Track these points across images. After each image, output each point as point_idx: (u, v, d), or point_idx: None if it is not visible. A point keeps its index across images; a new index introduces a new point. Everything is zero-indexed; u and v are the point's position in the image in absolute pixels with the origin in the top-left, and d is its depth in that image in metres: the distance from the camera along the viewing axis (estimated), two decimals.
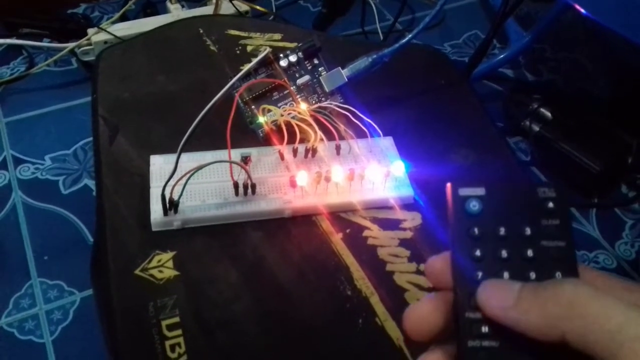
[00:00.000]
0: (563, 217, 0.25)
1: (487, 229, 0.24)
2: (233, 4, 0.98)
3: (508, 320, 0.22)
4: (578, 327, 0.20)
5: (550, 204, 0.25)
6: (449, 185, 0.26)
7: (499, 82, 1.01)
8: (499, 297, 0.22)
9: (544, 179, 0.88)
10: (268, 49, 0.51)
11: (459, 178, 0.26)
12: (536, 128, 0.89)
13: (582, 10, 0.41)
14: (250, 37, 0.58)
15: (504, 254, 0.24)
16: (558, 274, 0.23)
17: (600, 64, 0.98)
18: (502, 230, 0.24)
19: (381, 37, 1.05)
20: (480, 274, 0.23)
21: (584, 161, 0.84)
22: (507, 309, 0.21)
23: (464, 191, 0.25)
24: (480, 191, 0.25)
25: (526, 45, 0.96)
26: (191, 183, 0.42)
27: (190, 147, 0.43)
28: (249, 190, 0.44)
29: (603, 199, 0.87)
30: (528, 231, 0.24)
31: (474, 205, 0.25)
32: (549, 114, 0.89)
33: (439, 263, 0.25)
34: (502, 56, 0.97)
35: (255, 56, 0.52)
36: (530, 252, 0.24)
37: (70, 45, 0.92)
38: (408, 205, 0.46)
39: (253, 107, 0.49)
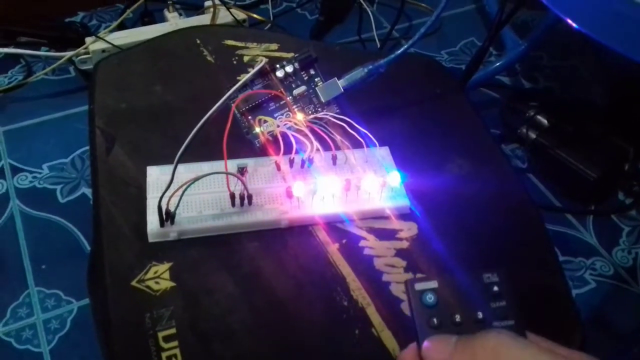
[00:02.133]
0: (509, 298, 0.29)
1: (444, 318, 0.28)
2: (230, 12, 0.99)
3: None
4: None
5: (496, 288, 0.29)
6: (406, 281, 0.30)
7: (496, 89, 1.02)
8: (439, 350, 0.26)
9: (541, 186, 0.88)
10: (264, 60, 0.51)
11: (413, 280, 0.30)
12: (533, 135, 0.89)
13: (574, 24, 0.42)
14: (247, 47, 0.58)
15: None
16: None
17: (596, 71, 0.98)
18: (458, 317, 0.28)
19: (378, 45, 1.05)
20: None
21: (580, 168, 0.84)
22: None
23: (419, 286, 0.29)
24: (433, 284, 0.29)
25: (522, 53, 0.96)
26: (188, 194, 0.42)
27: (186, 158, 0.43)
28: (246, 201, 0.44)
29: (600, 206, 0.87)
30: (480, 315, 0.28)
31: (430, 298, 0.29)
32: (545, 121, 0.89)
33: (409, 356, 0.29)
34: (498, 64, 0.97)
35: (252, 66, 0.52)
36: None
37: (68, 54, 0.92)
38: (404, 216, 0.47)
39: (249, 117, 0.49)
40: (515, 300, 0.29)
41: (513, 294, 0.29)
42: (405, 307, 0.41)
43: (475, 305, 0.28)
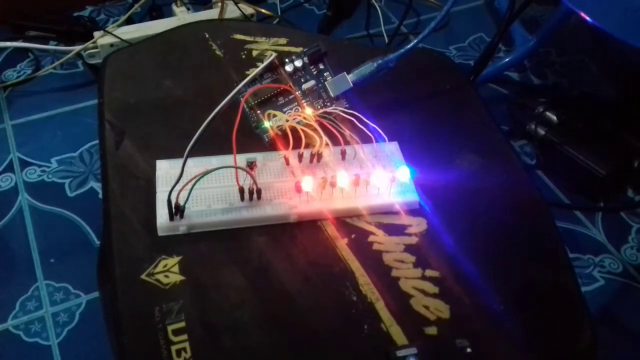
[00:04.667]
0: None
1: None
2: (238, 7, 0.98)
3: None
4: None
5: (468, 350, 0.34)
6: (386, 353, 0.35)
7: (505, 85, 1.01)
8: None
9: (550, 183, 0.88)
10: (273, 54, 0.51)
11: (393, 348, 0.35)
12: (542, 132, 0.89)
13: (588, 18, 0.41)
14: (256, 42, 0.58)
15: None
16: None
17: (606, 67, 0.97)
18: None
19: (386, 40, 1.05)
20: None
21: (589, 165, 0.83)
22: None
23: (400, 353, 0.34)
24: (412, 351, 0.34)
25: (532, 49, 0.95)
26: (197, 188, 0.42)
27: (196, 152, 0.43)
28: (255, 196, 0.44)
29: (609, 203, 0.86)
30: None
31: None
32: (554, 118, 0.89)
33: None
34: (507, 60, 0.96)
35: (261, 61, 0.52)
36: None
37: (77, 48, 0.92)
38: (413, 211, 0.46)
39: (259, 112, 0.49)
40: None
41: (484, 356, 0.34)
42: (414, 302, 0.41)
43: None
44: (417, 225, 0.46)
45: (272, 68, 0.50)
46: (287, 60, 0.50)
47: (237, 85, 0.48)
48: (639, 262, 0.79)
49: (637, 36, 0.40)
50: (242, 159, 0.46)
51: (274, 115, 0.48)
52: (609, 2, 0.40)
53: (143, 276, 0.41)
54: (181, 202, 0.42)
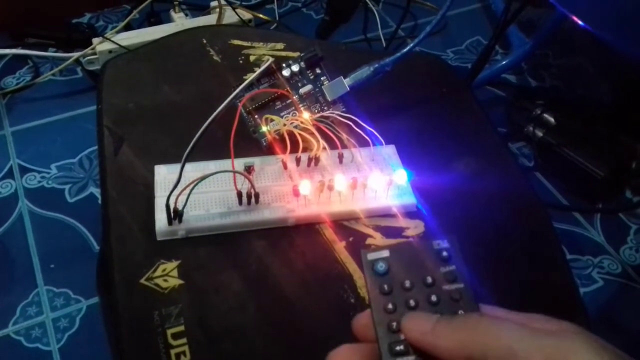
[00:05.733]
0: (458, 262, 0.30)
1: (395, 284, 0.29)
2: (236, 13, 0.99)
3: (425, 343, 0.26)
4: (481, 347, 0.24)
5: (445, 253, 0.30)
6: (360, 252, 0.31)
7: (502, 88, 1.02)
8: (420, 324, 0.27)
9: (548, 184, 0.88)
10: (271, 59, 0.51)
11: (366, 250, 0.31)
12: (539, 133, 0.89)
13: (580, 22, 0.42)
14: (253, 47, 0.59)
15: (412, 302, 0.28)
16: (460, 311, 0.27)
17: (603, 69, 0.98)
18: (408, 283, 0.29)
19: (384, 44, 1.05)
20: (394, 324, 0.28)
21: (588, 166, 0.84)
22: (425, 333, 0.26)
23: (371, 256, 0.30)
24: (384, 253, 0.30)
25: (528, 51, 0.96)
26: (195, 192, 0.43)
27: (194, 156, 0.44)
28: (253, 200, 0.44)
29: (607, 204, 0.87)
30: (429, 279, 0.29)
31: (381, 266, 0.30)
32: (552, 120, 0.89)
33: (364, 319, 0.29)
34: (504, 62, 0.97)
35: (258, 66, 0.52)
36: (434, 297, 0.28)
37: (76, 54, 0.92)
38: (410, 214, 0.47)
39: (256, 116, 0.49)
40: (465, 265, 0.29)
41: (464, 259, 0.30)
42: None
43: (425, 271, 0.29)
44: (415, 227, 0.46)
45: (269, 73, 0.51)
46: (284, 65, 0.51)
47: (234, 90, 0.48)
48: (637, 263, 0.79)
49: (628, 40, 0.40)
50: (239, 163, 0.46)
51: (272, 120, 0.49)
52: (600, 6, 0.41)
53: (142, 280, 0.41)
54: (179, 207, 0.43)
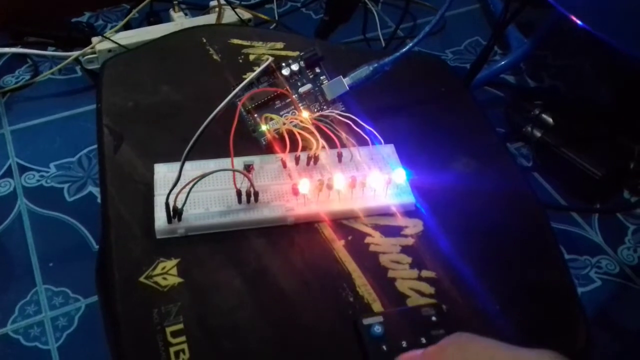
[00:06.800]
0: (445, 326, 0.34)
1: (392, 345, 0.33)
2: (236, 12, 0.99)
3: None
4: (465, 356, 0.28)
5: (434, 318, 0.35)
6: (354, 321, 0.35)
7: (501, 88, 1.02)
8: (410, 355, 0.30)
9: (546, 185, 0.88)
10: (270, 58, 0.51)
11: (360, 317, 0.36)
12: (538, 134, 0.89)
13: (578, 22, 0.42)
14: (253, 46, 0.59)
15: None
16: None
17: (601, 70, 0.98)
18: (404, 343, 0.33)
19: (383, 44, 1.05)
20: None
21: (586, 167, 0.84)
22: (415, 357, 0.29)
23: (367, 321, 0.35)
24: (379, 319, 0.35)
25: (527, 52, 0.96)
26: (195, 191, 0.43)
27: (193, 155, 0.44)
28: (252, 198, 0.45)
29: (605, 205, 0.87)
30: (423, 340, 0.33)
31: (377, 329, 0.34)
32: (550, 120, 0.89)
33: None
34: (503, 63, 0.97)
35: (258, 65, 0.52)
36: None
37: (75, 53, 0.92)
38: (409, 212, 0.47)
39: (256, 115, 0.50)
40: (453, 330, 0.32)
41: (450, 324, 0.34)
42: (410, 303, 0.42)
43: (418, 333, 0.33)
44: (414, 226, 0.46)
45: (269, 72, 0.51)
46: (283, 64, 0.51)
47: (234, 89, 0.48)
48: (635, 263, 0.80)
49: (627, 40, 0.40)
50: (239, 162, 0.46)
51: (271, 119, 0.49)
52: (599, 6, 0.41)
53: (141, 279, 0.41)
54: (179, 205, 0.43)
